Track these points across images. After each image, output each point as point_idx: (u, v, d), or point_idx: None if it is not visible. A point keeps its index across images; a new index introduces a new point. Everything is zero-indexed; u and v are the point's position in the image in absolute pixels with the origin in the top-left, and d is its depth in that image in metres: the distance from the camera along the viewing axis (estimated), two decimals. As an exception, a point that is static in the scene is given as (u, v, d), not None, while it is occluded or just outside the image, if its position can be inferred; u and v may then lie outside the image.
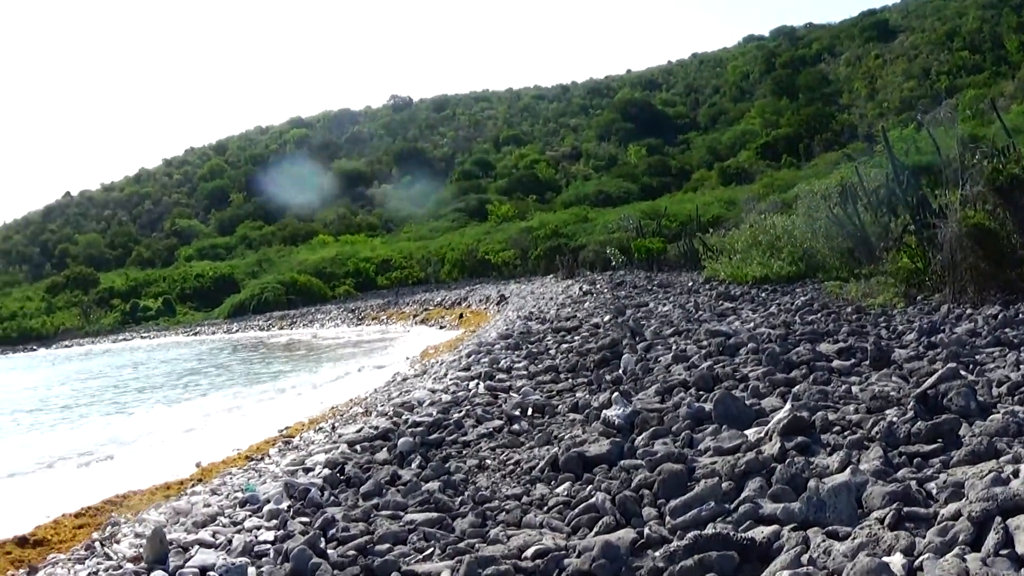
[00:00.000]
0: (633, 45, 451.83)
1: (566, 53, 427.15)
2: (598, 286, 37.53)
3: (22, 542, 13.68)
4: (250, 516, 10.43)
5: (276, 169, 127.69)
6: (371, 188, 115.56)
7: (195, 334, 76.14)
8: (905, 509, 6.56)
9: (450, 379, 17.99)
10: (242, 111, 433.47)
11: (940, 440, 8.25)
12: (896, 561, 5.76)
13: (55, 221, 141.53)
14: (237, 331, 72.02)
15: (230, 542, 9.31)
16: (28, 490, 19.41)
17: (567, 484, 9.24)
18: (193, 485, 15.71)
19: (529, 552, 7.31)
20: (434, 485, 9.97)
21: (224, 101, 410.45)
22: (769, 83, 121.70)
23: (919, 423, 8.51)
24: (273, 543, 8.93)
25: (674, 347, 16.35)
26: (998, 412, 8.60)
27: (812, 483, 7.10)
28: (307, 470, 12.41)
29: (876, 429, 8.75)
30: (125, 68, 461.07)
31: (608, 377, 14.48)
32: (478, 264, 70.00)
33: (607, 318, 23.02)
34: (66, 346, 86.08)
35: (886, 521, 6.43)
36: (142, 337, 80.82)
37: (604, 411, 11.36)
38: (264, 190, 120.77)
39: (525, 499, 9.06)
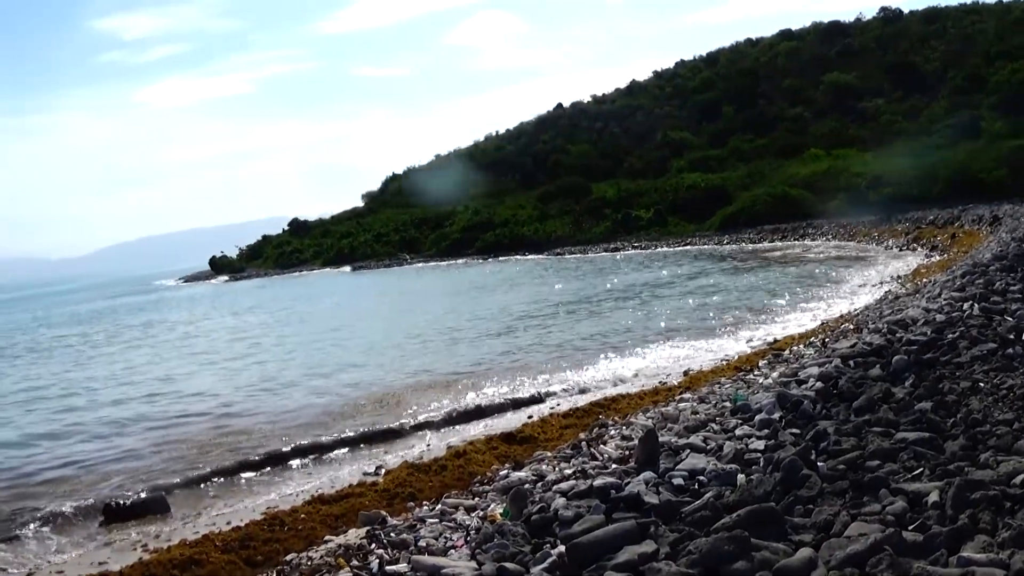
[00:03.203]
0: None
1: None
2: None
3: (509, 438, 14.53)
4: (741, 424, 10.56)
5: (768, 82, 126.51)
6: (862, 102, 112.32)
7: (686, 244, 77.07)
8: None
9: (944, 299, 17.44)
10: (732, 24, 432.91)
11: None
12: None
13: (547, 132, 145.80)
14: (728, 243, 72.39)
15: (720, 448, 9.46)
16: (518, 386, 20.51)
17: (1060, 411, 8.82)
18: (681, 392, 16.13)
19: (1018, 479, 6.91)
20: (926, 405, 9.58)
21: (711, 15, 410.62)
22: None
23: None
24: (763, 452, 8.94)
25: None
26: None
27: None
28: (800, 382, 12.30)
29: None
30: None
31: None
32: (970, 183, 66.83)
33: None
34: (557, 253, 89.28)
35: None
36: (633, 247, 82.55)
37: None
38: (756, 103, 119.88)
39: (1016, 425, 8.57)
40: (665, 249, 76.22)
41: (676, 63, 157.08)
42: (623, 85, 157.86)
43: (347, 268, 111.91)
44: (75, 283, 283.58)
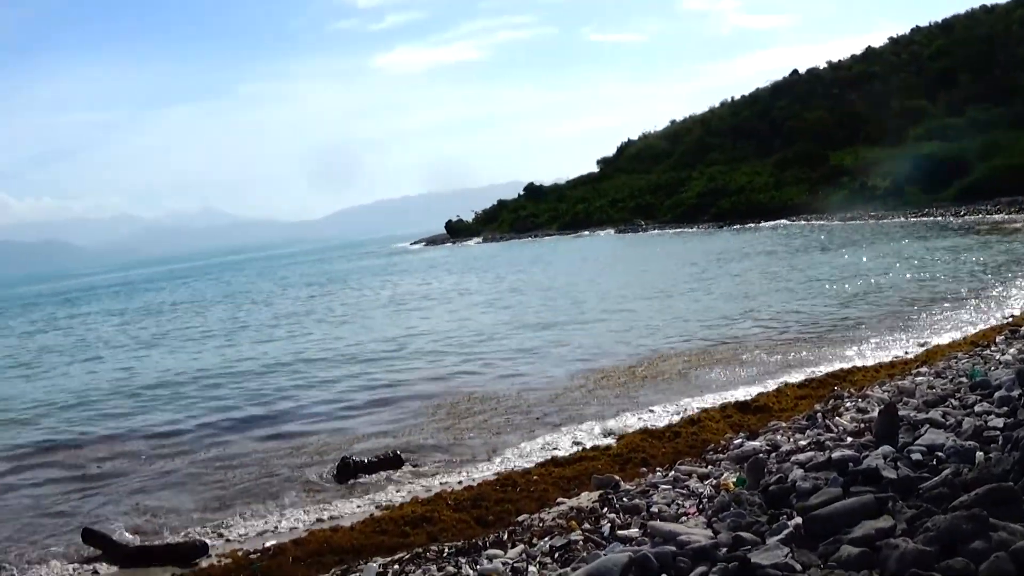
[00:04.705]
0: None
1: None
2: None
3: (743, 407, 14.55)
4: (980, 401, 10.27)
5: (1004, 51, 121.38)
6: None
7: (922, 215, 74.84)
8: None
9: None
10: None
11: None
12: None
13: (783, 98, 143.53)
14: (965, 215, 70.03)
15: (959, 424, 9.20)
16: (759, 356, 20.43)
17: None
18: (917, 366, 15.84)
19: None
20: None
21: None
22: None
23: None
24: (1002, 430, 8.59)
25: None
26: None
27: None
28: (1038, 360, 11.96)
29: None
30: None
31: None
32: None
33: None
34: (793, 220, 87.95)
35: None
36: (870, 216, 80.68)
37: None
38: (993, 71, 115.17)
39: None
40: (901, 220, 74.19)
41: (912, 29, 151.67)
42: (859, 52, 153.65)
43: (611, 231, 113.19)
44: (314, 244, 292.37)
